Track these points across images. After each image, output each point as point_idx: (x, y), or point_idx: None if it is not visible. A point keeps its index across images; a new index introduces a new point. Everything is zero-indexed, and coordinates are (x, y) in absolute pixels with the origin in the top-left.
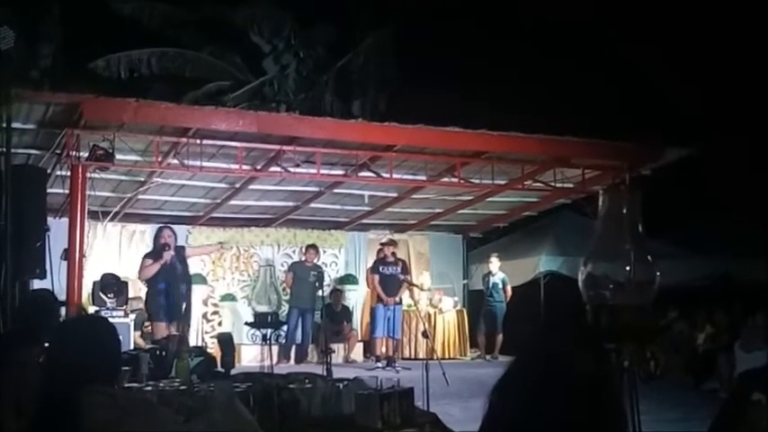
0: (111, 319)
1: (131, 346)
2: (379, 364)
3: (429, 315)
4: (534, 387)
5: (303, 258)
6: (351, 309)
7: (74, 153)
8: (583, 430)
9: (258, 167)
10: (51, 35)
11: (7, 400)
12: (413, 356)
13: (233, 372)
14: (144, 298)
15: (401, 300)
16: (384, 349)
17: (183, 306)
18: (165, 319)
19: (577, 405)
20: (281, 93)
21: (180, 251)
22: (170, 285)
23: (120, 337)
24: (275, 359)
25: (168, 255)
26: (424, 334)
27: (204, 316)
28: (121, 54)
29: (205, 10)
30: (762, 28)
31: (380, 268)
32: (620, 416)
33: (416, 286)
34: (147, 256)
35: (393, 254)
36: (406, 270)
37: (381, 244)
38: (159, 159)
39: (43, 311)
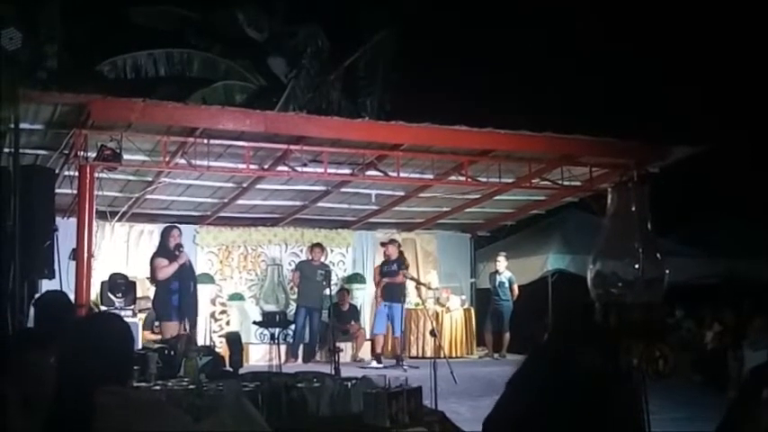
0: None
1: (140, 346)
2: (375, 364)
3: (436, 314)
4: (544, 386)
5: (310, 257)
6: (358, 308)
7: (82, 153)
8: (596, 427)
9: (265, 167)
10: (57, 36)
11: (20, 400)
12: (420, 355)
13: (241, 371)
14: (152, 297)
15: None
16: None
17: (192, 305)
18: (176, 318)
19: (588, 402)
20: (299, 94)
21: None
22: (181, 285)
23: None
24: (283, 358)
25: (185, 256)
26: (432, 332)
27: (212, 315)
28: (128, 55)
29: (214, 11)
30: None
31: (384, 268)
32: (632, 413)
33: (423, 285)
34: (159, 256)
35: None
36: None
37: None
38: (167, 159)
39: (58, 312)
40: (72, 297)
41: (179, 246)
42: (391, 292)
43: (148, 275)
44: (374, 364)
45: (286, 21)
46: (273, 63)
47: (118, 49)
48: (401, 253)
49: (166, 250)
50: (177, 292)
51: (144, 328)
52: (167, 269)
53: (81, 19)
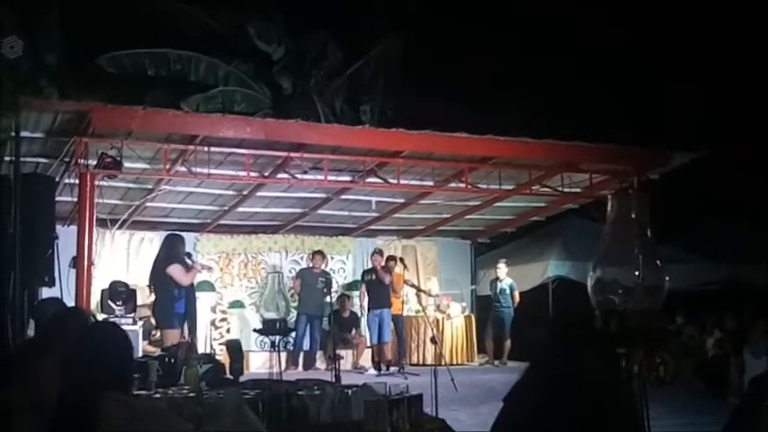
0: None
1: (140, 354)
2: (372, 371)
3: (437, 321)
4: (546, 392)
5: (310, 265)
6: (358, 315)
7: (82, 161)
8: None
9: (266, 174)
10: (56, 41)
11: (24, 409)
12: (421, 362)
13: (242, 379)
14: (152, 305)
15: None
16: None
17: (193, 313)
18: (178, 326)
19: (589, 409)
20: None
21: None
22: (186, 293)
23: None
24: (284, 366)
25: (199, 265)
26: (433, 340)
27: (213, 323)
28: (128, 51)
29: (218, 17)
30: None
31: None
32: (632, 420)
33: (424, 291)
34: (175, 262)
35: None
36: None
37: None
38: (167, 167)
39: (59, 322)
40: (72, 305)
41: (189, 254)
42: (378, 298)
43: (148, 283)
44: (371, 371)
45: (290, 29)
46: (279, 72)
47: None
48: (391, 258)
49: (178, 257)
50: (181, 300)
51: (143, 338)
52: (189, 275)
53: (84, 25)
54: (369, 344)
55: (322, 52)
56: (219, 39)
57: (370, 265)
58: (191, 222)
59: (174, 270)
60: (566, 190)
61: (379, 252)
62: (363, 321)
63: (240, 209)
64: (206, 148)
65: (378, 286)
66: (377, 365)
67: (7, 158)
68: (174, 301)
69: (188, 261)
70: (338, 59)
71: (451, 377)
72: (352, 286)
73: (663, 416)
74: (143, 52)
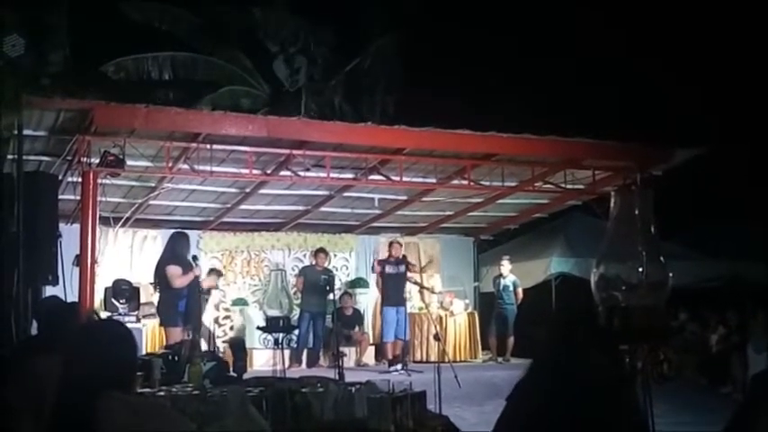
0: None
1: (144, 352)
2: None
3: (440, 318)
4: (549, 389)
5: (313, 262)
6: (362, 312)
7: (85, 159)
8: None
9: (268, 172)
10: (61, 41)
11: (26, 409)
12: (424, 359)
13: (245, 376)
14: (156, 303)
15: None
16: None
17: (197, 311)
18: (181, 324)
19: (592, 406)
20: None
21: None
22: (189, 291)
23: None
24: (287, 363)
25: (199, 268)
26: (436, 337)
27: (216, 320)
28: (131, 58)
29: (216, 13)
30: None
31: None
32: (636, 417)
33: (427, 288)
34: (172, 263)
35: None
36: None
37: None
38: (170, 165)
39: (61, 319)
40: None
41: (195, 258)
42: (398, 294)
43: (152, 281)
44: (395, 368)
45: (289, 25)
46: (277, 68)
47: (122, 53)
48: (404, 256)
49: (179, 258)
50: (185, 298)
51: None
52: (184, 278)
53: (88, 24)
54: (384, 339)
55: (323, 49)
56: (216, 37)
57: (382, 257)
58: (194, 220)
59: (171, 271)
60: (568, 186)
61: (398, 243)
62: (368, 316)
63: (243, 206)
64: (208, 146)
65: (396, 278)
66: (391, 362)
67: (10, 157)
68: (177, 299)
69: (191, 263)
70: (337, 57)
71: (455, 374)
72: (354, 284)
73: (666, 412)
74: (146, 56)
